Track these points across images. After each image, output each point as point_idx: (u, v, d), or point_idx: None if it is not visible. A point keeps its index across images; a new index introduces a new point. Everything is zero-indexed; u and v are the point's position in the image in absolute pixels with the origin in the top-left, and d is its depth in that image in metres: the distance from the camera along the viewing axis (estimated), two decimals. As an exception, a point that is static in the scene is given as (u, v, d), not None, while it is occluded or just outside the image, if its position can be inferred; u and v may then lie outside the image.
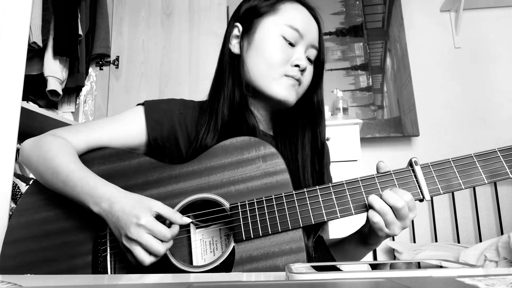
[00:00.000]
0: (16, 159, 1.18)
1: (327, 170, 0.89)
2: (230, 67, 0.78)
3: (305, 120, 0.81)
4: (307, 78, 0.78)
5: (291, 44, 0.76)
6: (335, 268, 0.67)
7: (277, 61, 0.74)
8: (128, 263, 0.60)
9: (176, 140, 0.75)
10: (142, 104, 0.78)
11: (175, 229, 0.60)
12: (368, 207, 0.61)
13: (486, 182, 0.60)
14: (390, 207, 0.60)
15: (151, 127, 0.75)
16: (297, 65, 0.75)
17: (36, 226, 0.70)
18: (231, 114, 0.75)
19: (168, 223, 0.61)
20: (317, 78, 0.81)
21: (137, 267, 0.59)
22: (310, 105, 0.82)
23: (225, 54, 0.80)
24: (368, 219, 0.62)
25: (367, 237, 0.71)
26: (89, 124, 0.77)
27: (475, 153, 0.62)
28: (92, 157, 0.73)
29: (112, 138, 0.75)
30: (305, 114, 0.81)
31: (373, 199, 0.60)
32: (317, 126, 0.81)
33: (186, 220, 0.62)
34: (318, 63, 0.81)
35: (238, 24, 0.80)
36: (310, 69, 0.79)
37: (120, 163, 0.71)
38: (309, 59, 0.79)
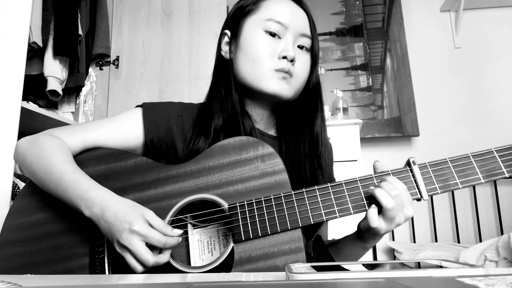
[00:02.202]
0: (16, 159, 1.18)
1: (330, 170, 0.88)
2: (222, 73, 0.79)
3: (303, 113, 0.79)
4: (300, 67, 0.76)
5: (278, 37, 0.75)
6: (337, 268, 0.67)
7: (262, 56, 0.73)
8: (125, 266, 0.60)
9: (173, 142, 0.75)
10: (141, 106, 0.79)
11: (173, 240, 0.59)
12: (367, 205, 0.61)
13: (483, 181, 0.61)
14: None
15: (148, 128, 0.75)
16: (284, 57, 0.73)
17: (31, 228, 0.69)
18: (226, 120, 0.75)
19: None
20: (311, 65, 0.79)
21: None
22: (306, 94, 0.79)
23: (218, 61, 0.82)
24: (366, 218, 0.62)
25: (363, 233, 0.70)
26: (86, 125, 0.77)
27: (472, 153, 0.62)
28: (87, 157, 0.72)
29: (108, 138, 0.74)
30: (302, 106, 0.80)
31: (380, 193, 0.60)
32: (313, 118, 0.78)
33: (177, 232, 0.60)
34: (312, 50, 0.79)
35: (226, 31, 0.81)
36: (304, 58, 0.77)
37: (116, 163, 0.71)
38: (302, 47, 0.77)
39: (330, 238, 0.88)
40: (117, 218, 0.58)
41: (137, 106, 0.80)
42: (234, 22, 0.80)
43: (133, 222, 0.57)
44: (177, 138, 0.75)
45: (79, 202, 0.62)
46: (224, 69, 0.79)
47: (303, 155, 0.76)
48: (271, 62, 0.73)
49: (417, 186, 0.62)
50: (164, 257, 0.59)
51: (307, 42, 0.77)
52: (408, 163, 0.63)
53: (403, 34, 2.30)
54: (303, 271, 0.38)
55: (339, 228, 0.79)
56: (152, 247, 0.58)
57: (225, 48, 0.81)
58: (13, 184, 1.22)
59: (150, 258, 0.57)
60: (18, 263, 0.67)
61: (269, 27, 0.74)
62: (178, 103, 0.81)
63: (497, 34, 2.30)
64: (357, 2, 2.38)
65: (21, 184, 1.42)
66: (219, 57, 0.82)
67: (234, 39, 0.79)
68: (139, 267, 0.57)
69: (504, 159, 0.61)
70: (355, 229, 0.74)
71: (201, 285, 0.34)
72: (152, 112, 0.77)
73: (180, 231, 0.61)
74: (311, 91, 0.79)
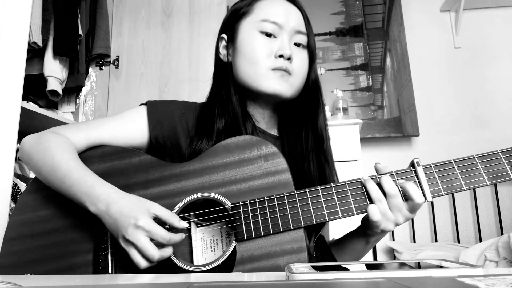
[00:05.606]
0: (16, 159, 1.18)
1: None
2: (222, 76, 0.80)
3: (305, 111, 0.80)
4: (297, 65, 0.76)
5: (274, 37, 0.76)
6: (338, 268, 0.67)
7: (259, 57, 0.74)
8: (129, 262, 0.60)
9: (177, 140, 0.76)
10: (145, 104, 0.79)
11: (177, 236, 0.59)
12: (366, 194, 0.62)
13: (488, 184, 0.60)
14: (385, 194, 0.60)
15: (153, 126, 0.76)
16: (281, 56, 0.74)
17: (36, 224, 0.70)
18: (228, 122, 0.75)
19: (168, 227, 0.61)
20: (308, 61, 0.79)
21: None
22: (306, 91, 0.80)
23: (217, 65, 0.83)
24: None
25: (365, 228, 0.70)
26: (91, 122, 0.78)
27: (477, 155, 0.61)
28: (92, 155, 0.73)
29: (113, 136, 0.75)
30: (304, 104, 0.80)
31: (371, 187, 0.61)
32: (316, 115, 0.79)
33: (183, 224, 0.60)
34: (308, 47, 0.79)
35: (223, 35, 0.82)
36: (301, 55, 0.78)
37: (121, 161, 0.71)
38: (298, 45, 0.78)
39: (330, 238, 0.88)
40: (122, 213, 0.58)
41: (142, 104, 0.80)
42: (230, 25, 0.81)
43: (138, 217, 0.57)
44: (181, 136, 0.76)
45: (84, 198, 0.62)
46: (224, 72, 0.80)
47: (306, 151, 0.77)
48: (268, 61, 0.74)
49: (421, 187, 0.61)
50: (168, 251, 0.59)
51: (303, 39, 0.78)
52: (412, 164, 0.63)
53: (403, 34, 2.30)
54: (303, 271, 0.38)
55: (341, 228, 0.79)
56: (155, 242, 0.58)
57: (223, 52, 0.82)
58: (13, 184, 1.22)
59: (156, 253, 0.57)
60: (23, 259, 0.67)
61: (264, 28, 0.75)
62: (182, 102, 0.82)
63: (497, 34, 2.30)
64: (357, 2, 2.38)
65: (21, 184, 1.42)
66: (217, 60, 0.83)
67: (231, 42, 0.80)
68: (143, 262, 0.57)
69: (510, 161, 0.60)
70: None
71: (201, 285, 0.34)
72: (157, 110, 0.77)
73: (186, 224, 0.61)
74: (311, 88, 0.80)
